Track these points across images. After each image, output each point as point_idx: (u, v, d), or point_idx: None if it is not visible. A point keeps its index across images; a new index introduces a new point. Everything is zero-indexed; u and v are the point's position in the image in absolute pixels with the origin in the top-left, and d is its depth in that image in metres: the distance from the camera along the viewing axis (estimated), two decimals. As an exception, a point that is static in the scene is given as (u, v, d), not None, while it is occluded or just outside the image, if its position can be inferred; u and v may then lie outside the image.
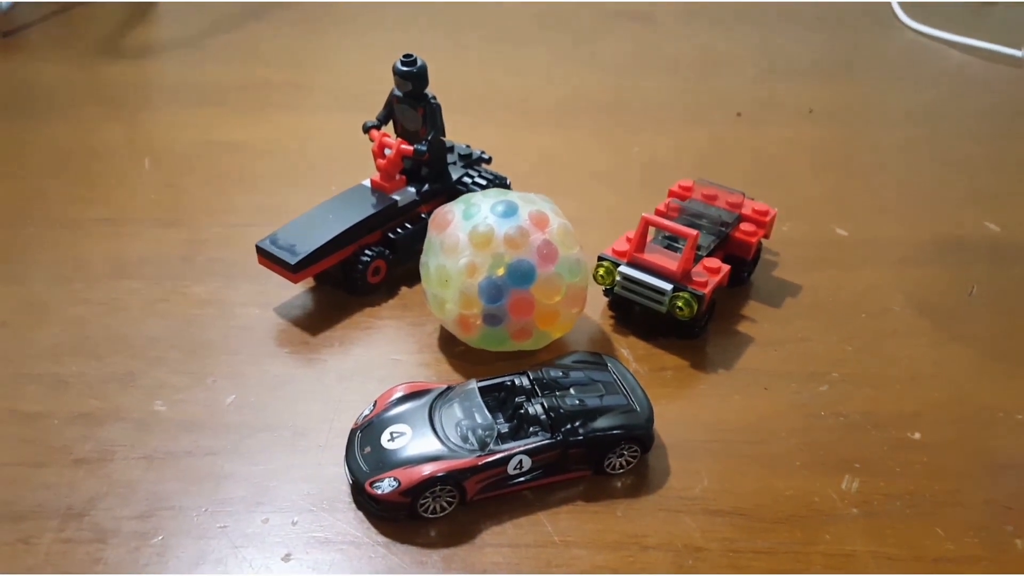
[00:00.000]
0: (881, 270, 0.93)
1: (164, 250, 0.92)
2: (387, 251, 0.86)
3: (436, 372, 0.77)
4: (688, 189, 0.91)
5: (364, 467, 0.62)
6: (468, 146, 0.98)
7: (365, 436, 0.65)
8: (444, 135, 0.89)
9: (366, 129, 0.89)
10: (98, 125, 1.17)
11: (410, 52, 0.85)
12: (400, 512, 0.61)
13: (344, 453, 0.65)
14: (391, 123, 0.91)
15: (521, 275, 0.71)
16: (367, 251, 0.84)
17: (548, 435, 0.64)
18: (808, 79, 1.38)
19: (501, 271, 0.72)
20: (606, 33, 1.54)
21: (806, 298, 0.88)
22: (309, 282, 0.88)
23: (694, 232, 0.77)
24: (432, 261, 0.75)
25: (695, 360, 0.79)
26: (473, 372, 0.77)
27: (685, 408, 0.74)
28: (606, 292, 0.84)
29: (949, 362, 0.80)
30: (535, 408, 0.65)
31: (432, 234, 0.76)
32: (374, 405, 0.68)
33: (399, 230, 0.88)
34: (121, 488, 0.65)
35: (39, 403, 0.72)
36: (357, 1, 1.64)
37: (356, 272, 0.84)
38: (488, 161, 0.98)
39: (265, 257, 0.82)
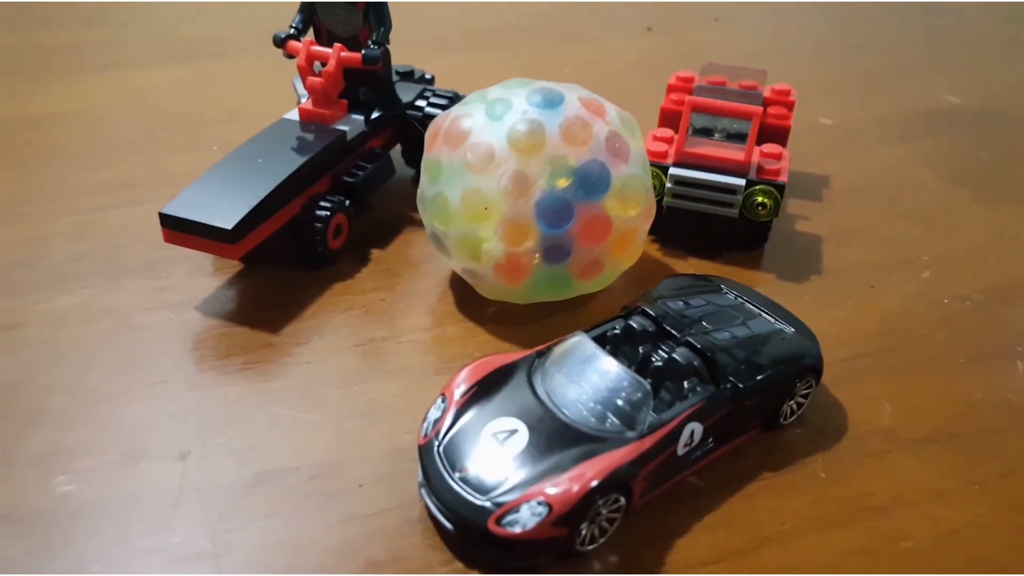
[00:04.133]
0: (891, 148, 0.83)
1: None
2: (346, 201, 0.61)
3: (474, 347, 0.54)
4: (689, 80, 0.74)
5: (472, 497, 0.39)
6: (411, 65, 0.74)
7: (452, 450, 0.41)
8: (388, 40, 0.65)
9: (280, 41, 0.63)
10: None
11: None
12: (550, 552, 0.39)
13: (421, 483, 0.41)
14: (311, 33, 0.66)
15: (592, 182, 0.50)
16: (323, 203, 0.59)
17: (711, 387, 0.44)
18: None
19: (563, 181, 0.50)
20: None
21: (839, 185, 0.76)
22: (231, 266, 0.60)
23: (758, 109, 0.61)
24: (451, 189, 0.52)
25: (778, 271, 0.63)
26: (526, 337, 0.55)
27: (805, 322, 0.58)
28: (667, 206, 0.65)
29: (1014, 223, 0.71)
30: (680, 353, 0.45)
31: (440, 153, 0.53)
32: (443, 402, 0.44)
33: (356, 171, 0.63)
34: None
35: None
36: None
37: (314, 233, 0.58)
38: (431, 81, 0.75)
39: (178, 229, 0.53)
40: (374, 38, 0.62)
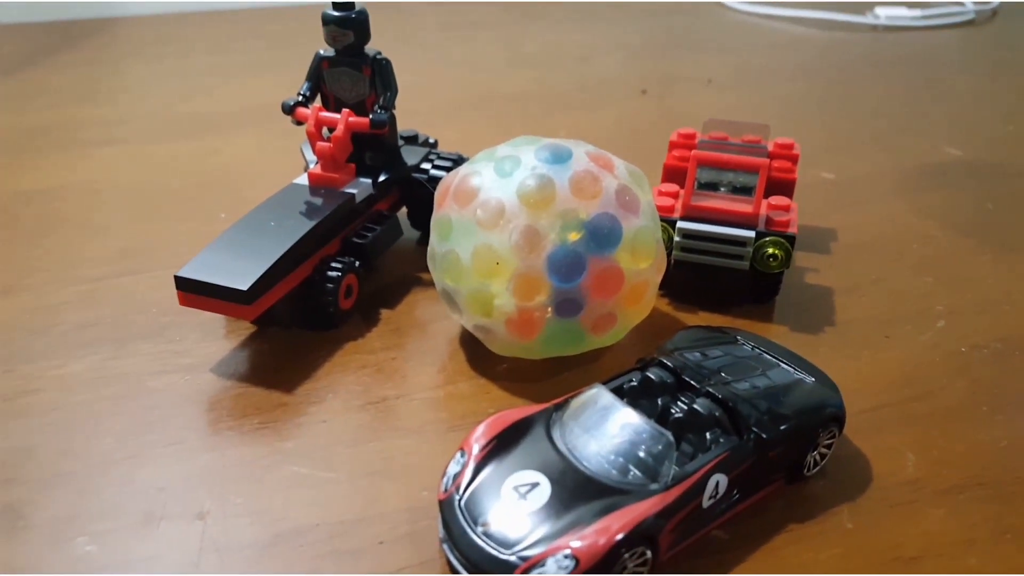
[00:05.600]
0: (894, 202, 0.84)
1: (3, 326, 0.60)
2: (356, 262, 0.61)
3: (487, 404, 0.53)
4: (690, 137, 0.76)
5: (496, 551, 0.38)
6: (414, 130, 0.76)
7: (474, 504, 0.40)
8: (394, 105, 0.66)
9: (289, 109, 0.64)
10: None
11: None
12: (580, 607, 0.37)
13: (443, 536, 0.40)
14: (319, 99, 0.67)
15: (604, 235, 0.51)
16: (334, 265, 0.59)
17: (735, 438, 0.44)
18: (698, 54, 1.32)
19: (574, 235, 0.51)
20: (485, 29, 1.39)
21: (846, 240, 0.76)
22: (243, 328, 0.60)
23: (764, 161, 0.62)
24: (462, 246, 0.52)
25: (791, 323, 0.63)
26: (539, 392, 0.54)
27: (823, 376, 0.57)
28: (675, 260, 0.65)
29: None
30: (701, 404, 0.44)
31: (450, 212, 0.53)
32: (462, 456, 0.43)
33: (365, 233, 0.63)
34: None
35: None
36: (135, 21, 1.36)
37: (326, 295, 0.58)
38: (434, 145, 0.77)
39: (194, 291, 0.54)
40: (380, 103, 0.64)
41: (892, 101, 1.13)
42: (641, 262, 0.53)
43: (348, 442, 0.50)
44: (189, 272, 0.53)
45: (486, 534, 0.39)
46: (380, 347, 0.59)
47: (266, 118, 0.64)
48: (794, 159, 0.74)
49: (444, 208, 0.54)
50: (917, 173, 0.91)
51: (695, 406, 0.44)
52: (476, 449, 0.43)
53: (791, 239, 0.61)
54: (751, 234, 0.61)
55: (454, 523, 0.40)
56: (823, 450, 0.47)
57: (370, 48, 0.65)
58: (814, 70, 1.24)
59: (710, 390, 0.45)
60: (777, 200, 0.64)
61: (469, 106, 1.07)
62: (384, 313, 0.62)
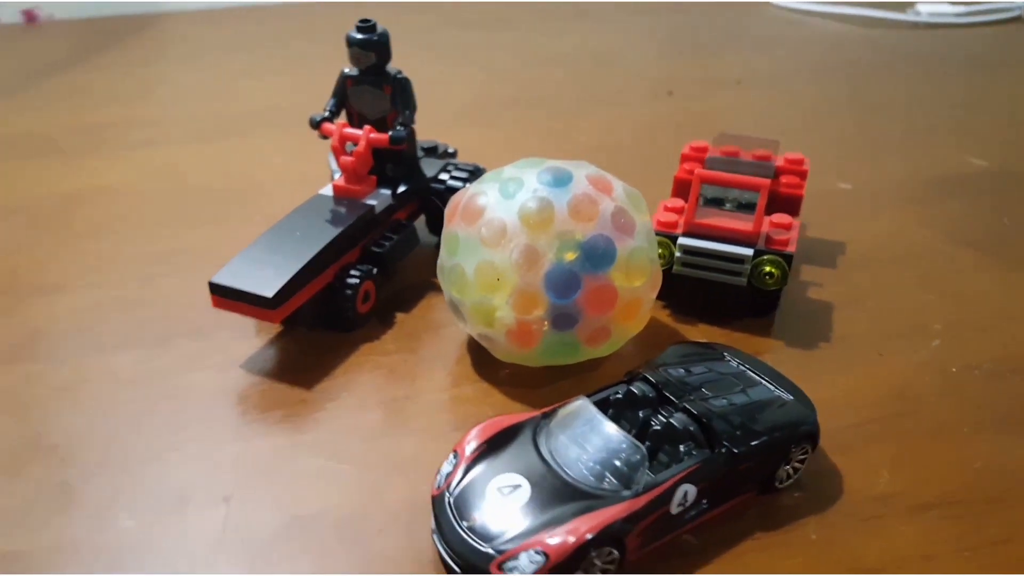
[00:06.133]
0: (906, 213, 0.85)
1: (60, 321, 0.66)
2: (374, 269, 0.66)
3: (487, 407, 0.58)
4: (702, 151, 0.78)
5: (478, 544, 0.42)
6: (435, 141, 0.80)
7: (461, 500, 0.45)
8: (413, 120, 0.71)
9: (315, 124, 0.69)
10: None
11: (367, 18, 0.67)
12: (549, 600, 0.42)
13: (434, 529, 0.45)
14: (344, 114, 0.72)
15: (598, 256, 0.54)
16: (353, 272, 0.64)
17: (706, 451, 0.47)
18: (726, 53, 1.33)
19: (571, 255, 0.54)
20: (505, 30, 1.42)
21: (854, 253, 0.78)
22: (271, 328, 0.65)
23: (765, 181, 0.64)
24: (467, 261, 0.56)
25: (786, 338, 0.66)
26: (537, 398, 0.58)
27: (811, 392, 0.59)
28: (676, 274, 0.68)
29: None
30: (677, 418, 0.48)
31: (458, 228, 0.57)
32: (455, 458, 0.47)
33: (383, 242, 0.68)
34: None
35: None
36: (174, 22, 1.43)
37: (345, 300, 0.63)
38: (453, 155, 0.81)
39: (225, 296, 0.59)
40: (400, 120, 0.68)
41: (924, 103, 1.12)
42: (635, 280, 0.56)
43: (360, 437, 0.55)
44: (221, 279, 0.59)
45: (470, 529, 0.43)
46: (394, 349, 0.63)
47: (291, 122, 0.68)
48: (803, 175, 0.76)
49: (452, 225, 0.58)
50: (937, 183, 0.91)
51: (672, 420, 0.48)
52: (467, 451, 0.47)
53: (788, 258, 0.63)
54: (749, 252, 0.64)
55: (443, 518, 0.44)
56: (796, 464, 0.50)
57: (391, 67, 0.69)
58: (848, 69, 1.25)
59: (687, 406, 0.49)
60: (779, 218, 0.67)
61: (492, 109, 1.11)
62: (399, 317, 0.67)
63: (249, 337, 0.64)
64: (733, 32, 1.43)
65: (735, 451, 0.47)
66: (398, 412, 0.57)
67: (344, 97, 0.70)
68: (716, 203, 0.70)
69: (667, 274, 0.67)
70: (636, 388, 0.51)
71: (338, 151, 0.68)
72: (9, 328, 0.66)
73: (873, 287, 0.73)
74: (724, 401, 0.49)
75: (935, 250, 0.78)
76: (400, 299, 0.69)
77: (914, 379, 0.61)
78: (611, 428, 0.46)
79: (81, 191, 0.88)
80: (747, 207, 0.69)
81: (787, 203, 0.74)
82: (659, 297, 0.69)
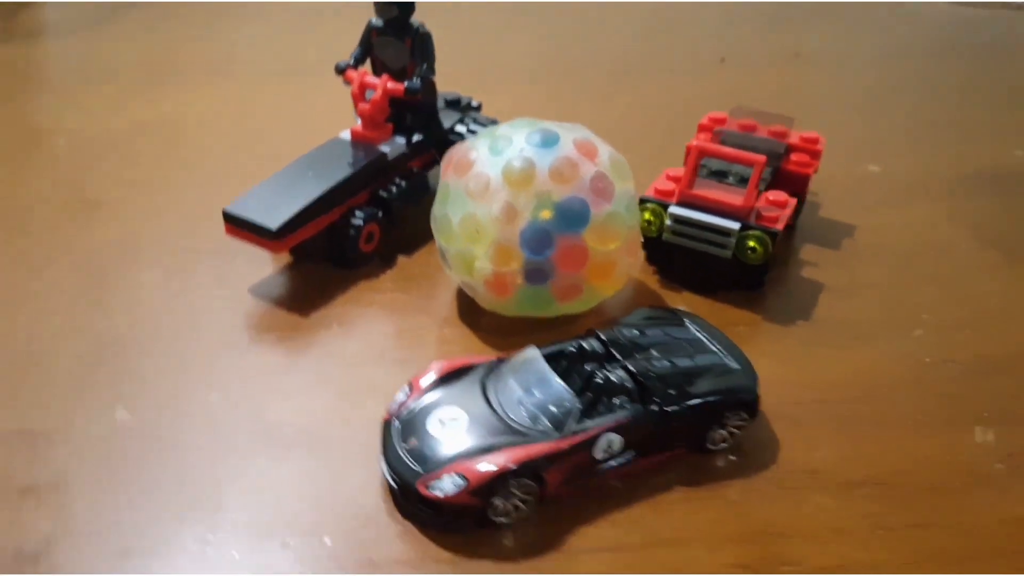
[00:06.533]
0: (933, 204, 0.83)
1: (98, 238, 0.74)
2: (379, 213, 0.71)
3: (464, 349, 0.62)
4: (720, 122, 0.79)
5: (412, 464, 0.47)
6: (457, 93, 0.83)
7: (406, 426, 0.50)
8: (434, 72, 0.74)
9: (340, 70, 0.74)
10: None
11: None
12: (467, 518, 0.46)
13: (380, 450, 0.50)
14: (369, 63, 0.76)
15: (573, 216, 0.58)
16: (358, 213, 0.69)
17: (638, 407, 0.50)
18: (789, 23, 1.30)
19: (547, 213, 0.58)
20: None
21: (863, 238, 0.78)
22: (284, 258, 0.71)
23: (761, 158, 0.65)
24: (454, 211, 0.60)
25: (767, 313, 0.67)
26: (509, 345, 0.62)
27: (774, 367, 0.61)
28: (645, 243, 0.71)
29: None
30: (617, 375, 0.51)
31: (450, 179, 0.61)
32: (409, 388, 0.52)
33: (392, 187, 0.73)
34: (84, 522, 0.48)
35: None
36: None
37: (347, 239, 0.68)
38: (478, 109, 0.84)
39: (236, 225, 0.65)
40: (418, 72, 0.72)
41: (988, 91, 1.07)
42: (608, 244, 0.59)
43: (342, 363, 0.61)
44: (233, 209, 0.65)
45: (408, 451, 0.48)
46: (389, 288, 0.69)
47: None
48: (815, 154, 0.76)
49: (446, 176, 0.62)
50: (975, 177, 0.88)
51: (612, 376, 0.51)
52: (420, 384, 0.52)
53: (773, 235, 0.65)
54: (736, 226, 0.65)
55: (388, 440, 0.49)
56: (732, 430, 0.53)
57: (415, 20, 0.72)
58: (922, 50, 1.20)
59: (628, 364, 0.52)
60: (775, 195, 0.68)
61: (539, 67, 1.12)
62: (401, 260, 0.72)
63: (263, 264, 0.70)
64: (803, 3, 1.39)
65: (665, 409, 0.50)
66: (380, 345, 0.63)
67: (369, 47, 0.74)
68: (720, 175, 0.71)
69: (658, 241, 0.69)
70: (587, 344, 0.54)
71: (357, 98, 0.72)
72: (38, 245, 0.73)
73: (873, 274, 0.73)
74: (666, 363, 0.52)
75: (953, 245, 0.77)
76: (406, 243, 0.74)
77: (884, 367, 0.62)
78: (551, 377, 0.50)
79: (151, 121, 0.96)
80: (748, 182, 0.70)
81: (794, 180, 0.74)
82: (651, 262, 0.72)
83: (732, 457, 0.54)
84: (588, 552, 0.47)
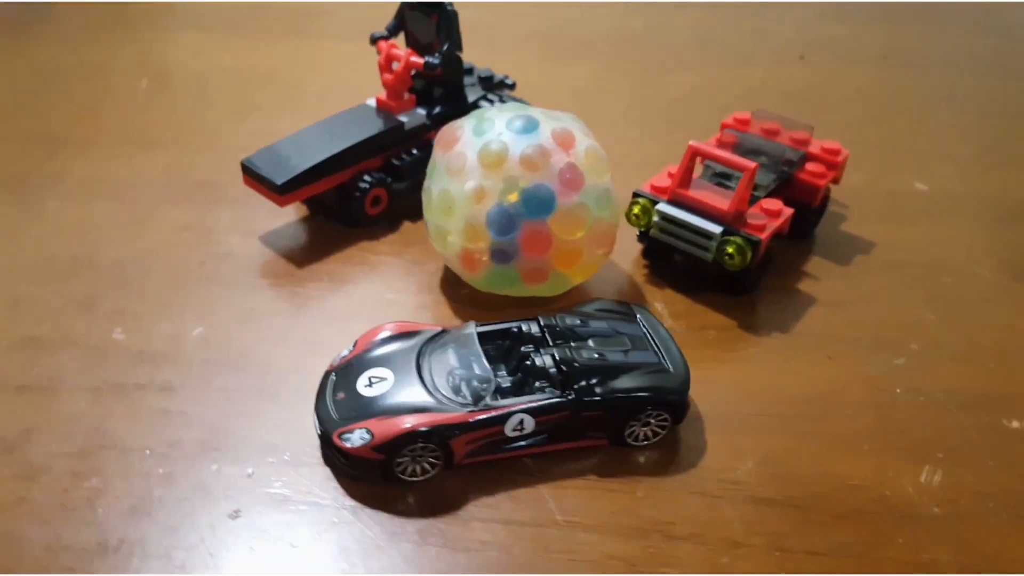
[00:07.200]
0: (969, 229, 0.79)
1: (146, 172, 0.82)
2: (389, 179, 0.75)
3: (435, 316, 0.66)
4: (745, 123, 0.77)
5: (335, 415, 0.52)
6: (491, 70, 0.85)
7: (340, 380, 0.54)
8: (461, 49, 0.77)
9: (373, 40, 0.78)
10: (96, 42, 1.09)
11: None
12: (373, 471, 0.50)
13: (315, 398, 0.55)
14: (404, 36, 0.80)
15: (538, 203, 0.59)
16: (366, 177, 0.73)
17: (557, 392, 0.52)
18: (879, 23, 1.22)
19: (514, 197, 0.60)
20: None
21: (880, 255, 0.75)
22: (301, 211, 0.77)
23: (752, 164, 0.64)
24: (435, 186, 0.63)
25: (745, 320, 0.67)
26: (477, 318, 0.65)
27: (730, 374, 0.61)
28: (641, 236, 0.72)
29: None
30: (543, 360, 0.53)
31: (437, 153, 0.64)
32: (355, 345, 0.57)
33: (405, 156, 0.76)
34: (62, 421, 0.56)
35: (-19, 325, 0.64)
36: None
37: (353, 200, 0.73)
38: (512, 87, 0.86)
39: (250, 176, 0.71)
40: (441, 49, 0.74)
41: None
42: (573, 233, 0.60)
43: (319, 315, 0.65)
44: (249, 161, 0.71)
45: (335, 403, 0.52)
46: (384, 251, 0.73)
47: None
48: (833, 165, 0.73)
49: (437, 148, 0.65)
50: (1019, 206, 0.82)
51: (539, 360, 0.53)
52: (364, 344, 0.56)
53: (755, 243, 0.64)
54: (718, 230, 0.65)
55: (322, 391, 0.54)
56: (656, 429, 0.54)
57: (446, -3, 0.75)
58: (1007, 63, 1.11)
59: (555, 351, 0.54)
60: (770, 204, 0.67)
61: (595, 47, 1.12)
62: (404, 225, 0.76)
63: (278, 215, 0.76)
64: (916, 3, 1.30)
65: (580, 399, 0.52)
66: (360, 302, 0.67)
67: (403, 21, 0.78)
68: (724, 178, 0.70)
69: (650, 235, 0.69)
70: (526, 327, 0.56)
71: (383, 68, 0.76)
72: (98, 171, 0.82)
73: (873, 293, 0.70)
74: (595, 354, 0.54)
75: (974, 274, 0.73)
76: (414, 210, 0.77)
77: (850, 389, 0.61)
78: (478, 353, 0.53)
79: (216, 67, 1.04)
80: (754, 186, 0.69)
81: (805, 190, 0.72)
82: (643, 255, 0.73)
83: (653, 456, 0.55)
84: (481, 521, 0.50)
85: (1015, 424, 0.58)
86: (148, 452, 0.54)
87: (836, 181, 0.75)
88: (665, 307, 0.68)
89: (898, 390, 0.61)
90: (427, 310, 0.67)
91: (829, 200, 0.77)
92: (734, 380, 0.61)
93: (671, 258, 0.71)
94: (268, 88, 0.99)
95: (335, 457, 0.52)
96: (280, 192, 0.69)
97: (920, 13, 1.26)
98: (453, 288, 0.69)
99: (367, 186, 0.73)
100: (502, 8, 1.22)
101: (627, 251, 0.73)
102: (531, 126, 0.61)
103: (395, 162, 0.76)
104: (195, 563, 0.47)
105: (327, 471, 0.53)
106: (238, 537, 0.49)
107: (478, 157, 0.60)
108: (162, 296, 0.67)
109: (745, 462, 0.55)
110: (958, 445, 0.57)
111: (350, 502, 0.51)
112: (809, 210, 0.73)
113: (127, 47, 1.09)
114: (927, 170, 0.87)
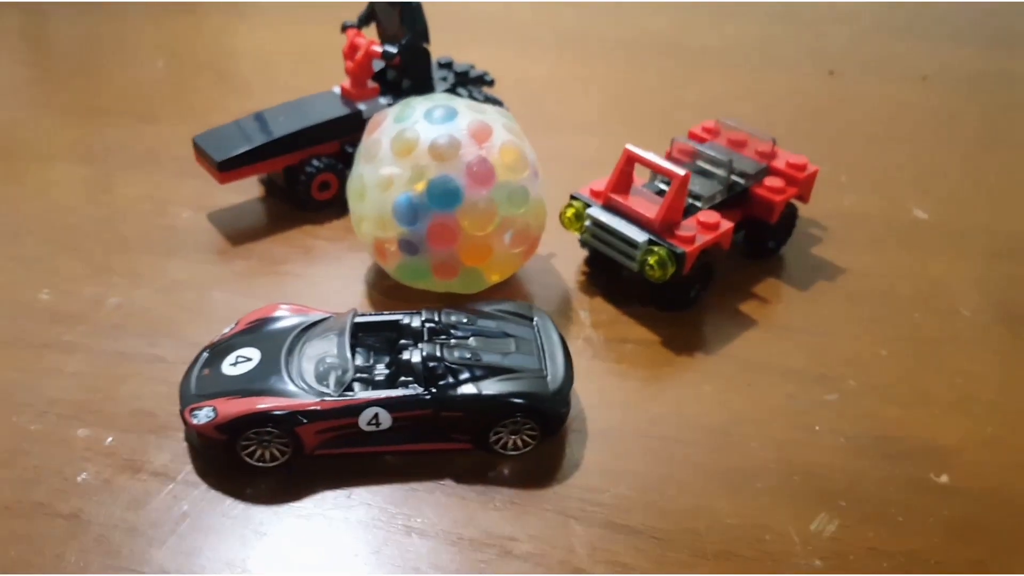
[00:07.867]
0: (964, 261, 0.71)
1: (132, 142, 0.86)
2: (340, 165, 0.74)
3: (344, 302, 0.64)
4: (712, 132, 0.73)
5: (193, 390, 0.51)
6: (471, 65, 0.84)
7: (212, 356, 0.54)
8: (427, 40, 0.76)
9: (343, 29, 0.78)
10: (119, 20, 1.15)
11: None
12: (217, 451, 0.50)
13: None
14: (375, 27, 0.80)
15: (443, 195, 0.58)
16: (314, 162, 0.73)
17: (419, 390, 0.50)
18: (925, 41, 1.13)
19: (420, 187, 0.58)
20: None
21: (847, 284, 0.69)
22: (257, 190, 0.78)
23: (682, 173, 0.60)
24: (355, 170, 0.63)
25: (669, 336, 0.62)
26: (395, 309, 0.64)
27: (634, 391, 0.58)
28: (583, 242, 0.69)
29: (1019, 388, 0.59)
30: (412, 355, 0.51)
31: (363, 139, 0.64)
32: (236, 323, 0.56)
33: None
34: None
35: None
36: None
37: (299, 183, 0.73)
38: (490, 84, 0.84)
39: (198, 153, 0.73)
40: (403, 40, 0.74)
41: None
42: (482, 228, 0.58)
43: (236, 293, 0.65)
44: (200, 138, 0.72)
45: (197, 378, 0.52)
46: (324, 236, 0.72)
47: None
48: (796, 181, 0.68)
49: (364, 133, 0.64)
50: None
51: (406, 355, 0.51)
52: (244, 322, 0.56)
53: (678, 255, 0.60)
54: (643, 238, 0.61)
55: (192, 366, 0.54)
56: (526, 438, 0.51)
57: (409, -12, 0.74)
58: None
59: (426, 347, 0.51)
60: (706, 216, 0.62)
61: (618, 46, 1.09)
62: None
63: (234, 193, 0.77)
64: (946, 19, 1.21)
65: (440, 397, 0.49)
66: (286, 283, 0.67)
67: (373, 11, 0.78)
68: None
69: (587, 241, 0.66)
70: (409, 319, 0.54)
71: (347, 55, 0.76)
72: (84, 139, 0.86)
73: (826, 323, 0.64)
74: (467, 354, 0.51)
75: (952, 312, 0.66)
76: (366, 198, 0.77)
77: (757, 420, 0.56)
78: (343, 343, 0.52)
79: (243, 51, 1.07)
80: (696, 198, 0.65)
81: (761, 206, 0.67)
82: (586, 263, 0.69)
83: (519, 466, 0.52)
84: (319, 515, 0.48)
85: (943, 479, 0.52)
86: (28, 407, 0.55)
87: (802, 198, 0.70)
88: (589, 315, 0.64)
89: (817, 428, 0.55)
90: (340, 295, 0.66)
91: (797, 219, 0.71)
92: (637, 398, 0.57)
93: (603, 265, 0.67)
94: (270, 70, 1.02)
95: (190, 434, 0.51)
96: (219, 169, 0.70)
97: (973, 32, 1.16)
98: (377, 278, 0.68)
99: (314, 170, 0.73)
100: (505, 8, 1.20)
101: (572, 256, 0.70)
102: (449, 116, 0.59)
103: (348, 149, 0.75)
104: (29, 514, 0.48)
105: (185, 447, 0.52)
106: (75, 498, 0.49)
107: (391, 144, 0.59)
108: (100, 261, 0.69)
109: (617, 485, 0.51)
110: (868, 495, 0.51)
111: (193, 479, 0.50)
112: (767, 228, 0.68)
113: (142, 24, 1.14)
114: (931, 197, 0.80)
